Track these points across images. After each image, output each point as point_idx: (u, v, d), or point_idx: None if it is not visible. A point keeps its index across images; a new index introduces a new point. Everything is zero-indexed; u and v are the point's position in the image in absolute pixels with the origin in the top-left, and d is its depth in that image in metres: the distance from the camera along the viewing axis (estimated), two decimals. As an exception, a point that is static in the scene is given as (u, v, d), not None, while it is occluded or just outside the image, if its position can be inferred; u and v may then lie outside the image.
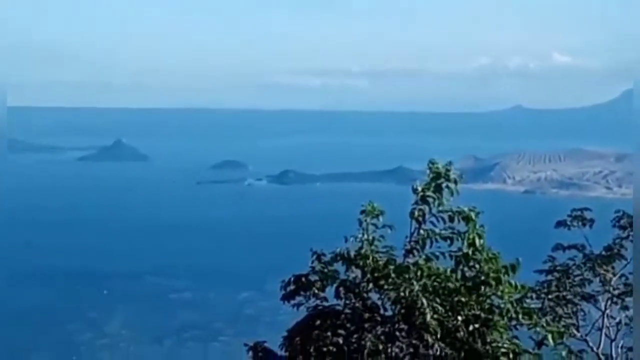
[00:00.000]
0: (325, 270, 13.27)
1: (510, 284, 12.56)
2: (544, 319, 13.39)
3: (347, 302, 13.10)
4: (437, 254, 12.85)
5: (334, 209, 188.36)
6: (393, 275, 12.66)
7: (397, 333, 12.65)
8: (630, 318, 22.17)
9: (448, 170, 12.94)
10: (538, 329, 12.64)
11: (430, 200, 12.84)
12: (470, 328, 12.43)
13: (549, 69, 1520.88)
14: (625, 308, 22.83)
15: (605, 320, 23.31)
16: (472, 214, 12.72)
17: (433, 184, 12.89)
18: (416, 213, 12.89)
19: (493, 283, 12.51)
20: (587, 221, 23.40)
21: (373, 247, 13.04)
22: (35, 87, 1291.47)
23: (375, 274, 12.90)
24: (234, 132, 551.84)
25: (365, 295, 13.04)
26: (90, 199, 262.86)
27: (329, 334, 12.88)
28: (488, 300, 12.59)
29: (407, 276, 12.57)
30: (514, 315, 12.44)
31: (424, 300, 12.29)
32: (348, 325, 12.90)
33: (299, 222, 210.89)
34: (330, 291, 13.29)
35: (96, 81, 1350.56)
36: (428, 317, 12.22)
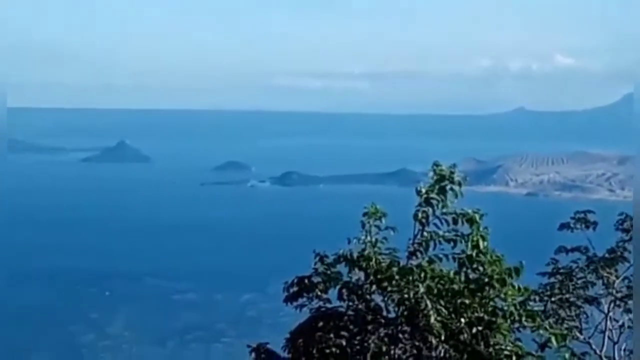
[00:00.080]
0: (328, 272, 13.27)
1: (513, 286, 12.55)
2: (547, 322, 13.39)
3: (350, 304, 13.09)
4: (441, 256, 12.84)
5: (336, 210, 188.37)
6: (397, 277, 12.66)
7: (400, 335, 12.65)
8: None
9: (452, 173, 12.94)
10: (541, 331, 12.63)
11: (434, 202, 12.83)
12: (474, 330, 12.42)
13: (552, 70, 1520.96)
14: (628, 311, 22.83)
15: (608, 322, 23.32)
16: (477, 216, 12.71)
17: (437, 186, 12.88)
18: (420, 215, 12.88)
19: (497, 285, 12.50)
20: (590, 224, 23.42)
21: (376, 249, 13.03)
22: (38, 88, 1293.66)
23: (378, 276, 12.89)
24: (236, 133, 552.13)
25: (368, 297, 13.03)
26: (94, 200, 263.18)
27: (331, 335, 12.87)
28: (491, 303, 12.59)
29: (411, 278, 12.56)
30: (517, 318, 12.43)
31: (429, 302, 12.28)
32: (351, 327, 12.90)
33: (301, 224, 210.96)
34: (333, 293, 13.29)
35: (98, 82, 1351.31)
36: (432, 319, 12.21)
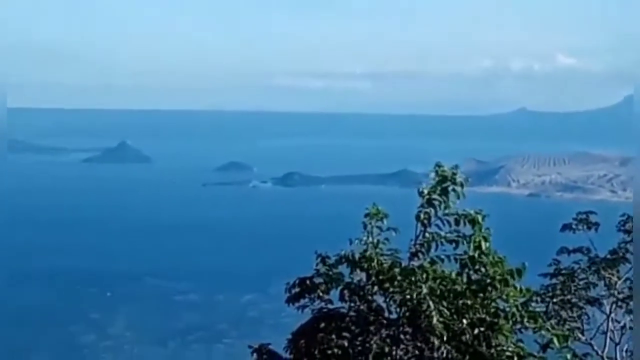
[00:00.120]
0: (330, 272, 13.27)
1: (515, 287, 12.55)
2: (548, 323, 13.38)
3: (352, 304, 13.09)
4: (442, 257, 12.83)
5: (338, 211, 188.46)
6: (399, 278, 12.66)
7: (402, 336, 12.65)
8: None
9: (454, 174, 12.93)
10: (543, 332, 12.63)
11: (436, 203, 12.83)
12: (476, 331, 12.42)
13: (553, 71, 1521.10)
14: (630, 312, 22.80)
15: (610, 323, 23.30)
16: (479, 217, 12.70)
17: (439, 187, 12.88)
18: (422, 216, 12.87)
19: (499, 286, 12.50)
20: (592, 225, 23.40)
21: (378, 250, 13.03)
22: (39, 88, 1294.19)
23: (380, 277, 12.89)
24: (238, 133, 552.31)
25: (370, 298, 13.04)
26: (95, 201, 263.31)
27: (333, 336, 12.88)
28: (493, 304, 12.58)
29: (413, 279, 12.56)
30: (519, 319, 12.42)
31: (432, 303, 12.28)
32: (353, 328, 12.90)
33: (303, 224, 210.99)
34: (334, 294, 13.29)
35: (99, 82, 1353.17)
36: (434, 320, 12.21)
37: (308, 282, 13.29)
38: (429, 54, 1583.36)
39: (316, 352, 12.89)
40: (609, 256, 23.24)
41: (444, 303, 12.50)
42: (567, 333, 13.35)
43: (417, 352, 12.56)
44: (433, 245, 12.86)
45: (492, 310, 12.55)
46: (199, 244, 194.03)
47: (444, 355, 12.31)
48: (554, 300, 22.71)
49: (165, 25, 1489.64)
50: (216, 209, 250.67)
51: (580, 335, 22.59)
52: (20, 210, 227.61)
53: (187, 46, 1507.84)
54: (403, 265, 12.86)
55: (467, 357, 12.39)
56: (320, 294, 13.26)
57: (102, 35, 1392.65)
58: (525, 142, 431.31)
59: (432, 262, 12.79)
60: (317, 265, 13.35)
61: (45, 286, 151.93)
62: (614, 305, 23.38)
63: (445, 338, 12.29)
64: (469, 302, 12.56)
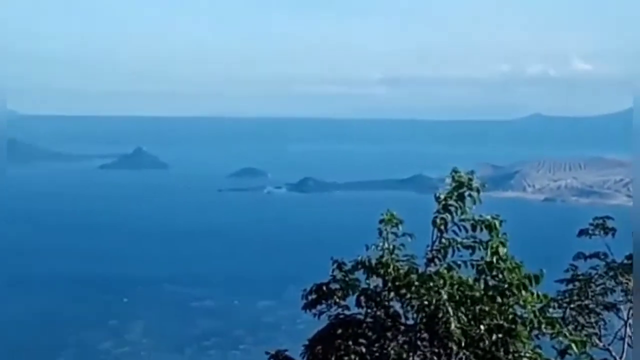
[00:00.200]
0: (346, 278, 13.25)
1: (532, 293, 12.50)
2: (566, 329, 13.30)
3: (369, 310, 13.06)
4: (459, 262, 12.79)
5: (353, 217, 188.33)
6: (416, 283, 12.63)
7: (420, 342, 12.61)
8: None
9: (471, 180, 12.89)
10: (561, 338, 12.57)
11: (453, 209, 12.79)
12: (494, 337, 12.38)
13: (569, 76, 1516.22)
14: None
15: (628, 329, 23.16)
16: (496, 223, 12.66)
17: (455, 193, 12.84)
18: (438, 221, 12.83)
19: (516, 292, 12.45)
20: (609, 230, 23.27)
21: (394, 256, 13.00)
22: (57, 95, 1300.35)
23: (397, 283, 12.86)
24: (253, 140, 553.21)
25: (386, 303, 13.00)
26: (112, 207, 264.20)
27: (350, 343, 12.85)
28: (511, 310, 12.53)
29: (431, 284, 12.53)
30: (536, 325, 12.37)
31: (450, 309, 12.24)
32: (370, 334, 12.87)
33: (318, 230, 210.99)
34: (351, 300, 13.27)
35: (116, 89, 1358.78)
36: (452, 326, 12.17)
37: (324, 288, 13.27)
38: (445, 59, 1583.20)
39: (333, 359, 12.87)
40: (626, 261, 23.10)
41: (462, 309, 12.46)
42: (584, 339, 13.26)
43: (434, 358, 12.52)
44: (450, 251, 12.82)
45: (510, 316, 12.50)
46: (214, 249, 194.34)
47: (462, 361, 12.27)
48: (571, 305, 22.59)
49: (189, 33, 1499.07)
50: (231, 214, 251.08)
51: (597, 341, 22.44)
52: (38, 216, 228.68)
53: (205, 54, 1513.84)
54: (419, 271, 12.84)
55: (485, 363, 12.35)
56: (337, 300, 13.24)
57: (122, 43, 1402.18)
58: (541, 147, 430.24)
59: (449, 268, 12.75)
60: (333, 271, 13.34)
61: (62, 292, 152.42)
62: (631, 311, 23.23)
63: (463, 344, 12.24)
64: (486, 308, 12.51)
